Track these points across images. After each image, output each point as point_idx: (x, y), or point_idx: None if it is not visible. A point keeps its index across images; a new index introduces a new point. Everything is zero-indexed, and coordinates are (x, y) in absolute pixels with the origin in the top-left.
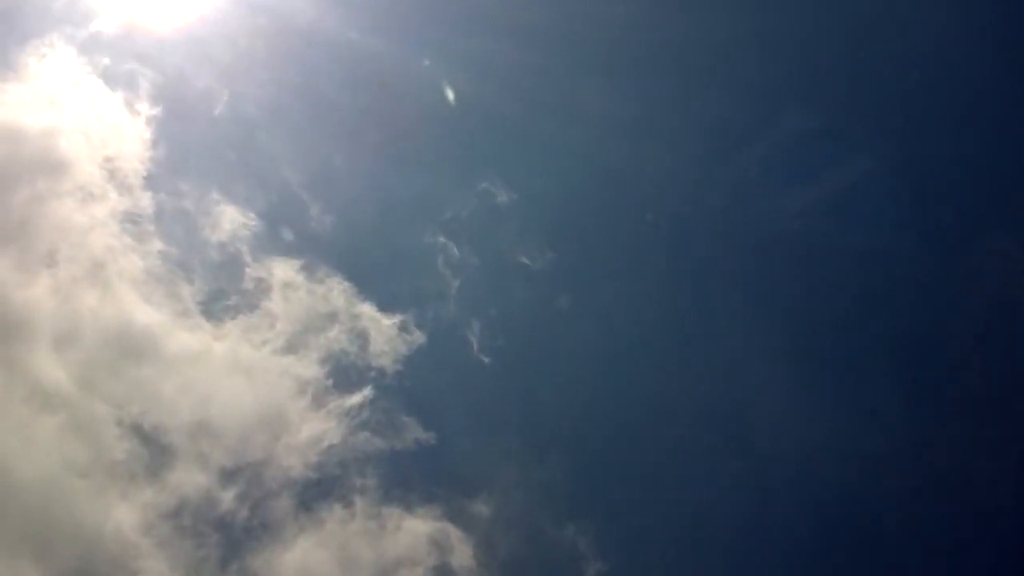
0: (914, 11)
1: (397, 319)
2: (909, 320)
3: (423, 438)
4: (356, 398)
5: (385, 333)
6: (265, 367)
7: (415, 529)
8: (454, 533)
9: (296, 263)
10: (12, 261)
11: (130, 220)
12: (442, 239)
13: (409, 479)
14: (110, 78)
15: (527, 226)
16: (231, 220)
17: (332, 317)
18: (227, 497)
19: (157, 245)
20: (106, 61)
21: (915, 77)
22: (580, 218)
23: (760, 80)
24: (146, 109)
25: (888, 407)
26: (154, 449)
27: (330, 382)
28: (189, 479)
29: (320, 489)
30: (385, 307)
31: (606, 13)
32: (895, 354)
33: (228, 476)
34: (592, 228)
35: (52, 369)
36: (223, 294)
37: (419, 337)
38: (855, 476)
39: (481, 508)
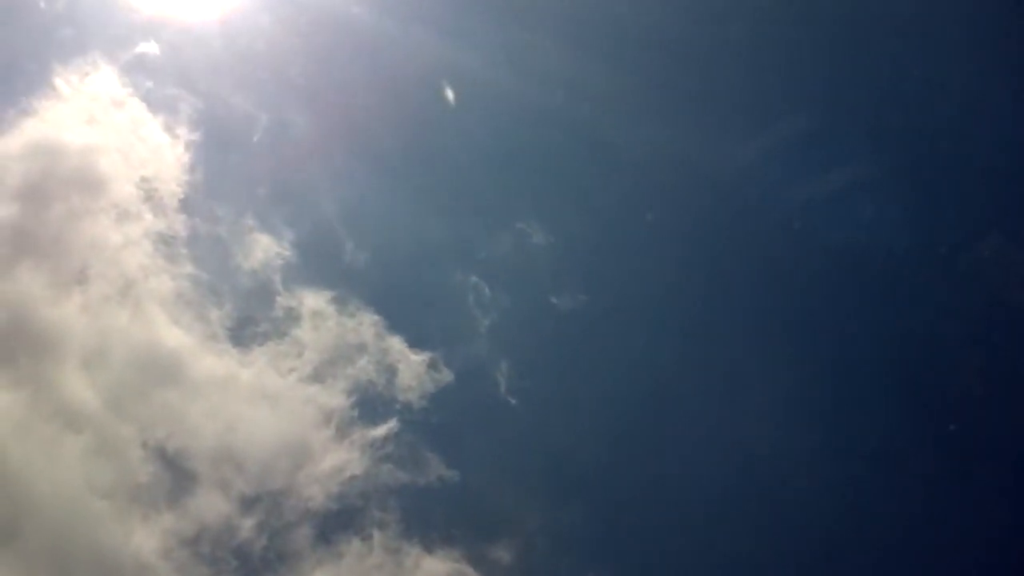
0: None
1: (426, 356)
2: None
3: (446, 475)
4: (381, 430)
5: (413, 369)
6: (291, 395)
7: (433, 569)
8: None
9: (327, 294)
10: (44, 277)
11: (163, 241)
12: (474, 278)
13: (430, 516)
14: (151, 101)
15: (561, 268)
16: (265, 248)
17: (361, 348)
18: (247, 525)
19: (189, 268)
20: (148, 84)
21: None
22: (614, 262)
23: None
24: (185, 133)
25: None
26: (176, 473)
27: (355, 413)
28: (210, 505)
29: (340, 521)
30: (415, 343)
31: (652, 60)
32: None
33: (248, 504)
34: (626, 272)
35: (79, 388)
36: (252, 321)
37: (447, 375)
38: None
39: (502, 553)
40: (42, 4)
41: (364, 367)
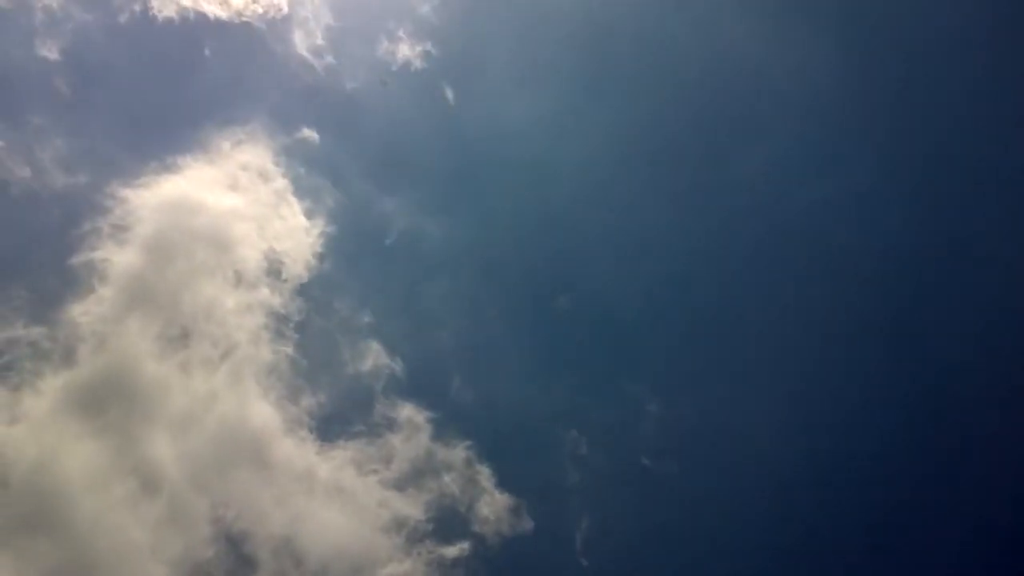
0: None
1: (511, 499)
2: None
3: None
4: (452, 550)
5: (495, 505)
6: (367, 496)
7: None
8: None
9: (427, 414)
10: (153, 328)
11: (275, 318)
12: (574, 432)
13: None
14: (299, 184)
15: (663, 437)
16: (374, 354)
17: (449, 469)
18: None
19: (292, 351)
20: (301, 169)
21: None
22: (715, 438)
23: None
24: (324, 224)
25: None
26: (238, 556)
27: (430, 527)
28: None
29: None
30: (503, 482)
31: None
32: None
33: None
34: (725, 448)
35: (161, 449)
36: (342, 417)
37: (527, 523)
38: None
39: None
40: (213, 63)
41: (448, 487)
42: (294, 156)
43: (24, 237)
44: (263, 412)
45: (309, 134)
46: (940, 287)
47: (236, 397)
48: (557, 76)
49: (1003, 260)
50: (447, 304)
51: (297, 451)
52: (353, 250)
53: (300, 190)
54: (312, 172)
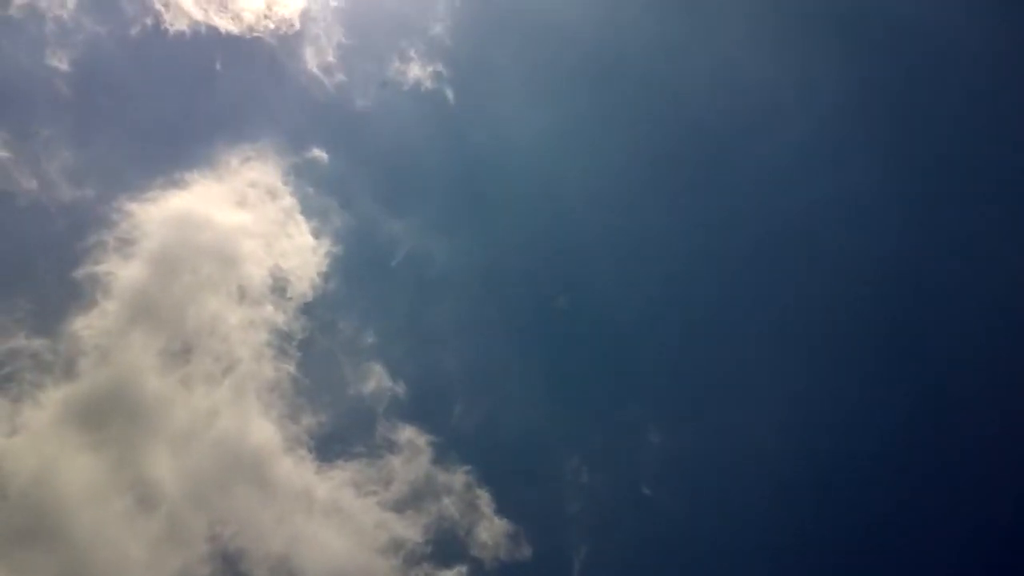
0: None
1: (509, 525)
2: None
3: None
4: (449, 574)
5: (493, 531)
6: (365, 517)
7: None
8: None
9: (428, 437)
10: (156, 343)
11: (278, 335)
12: (576, 460)
13: None
14: (307, 204)
15: (665, 467)
16: (377, 376)
17: (448, 492)
18: None
19: (294, 369)
20: (309, 189)
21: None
22: (718, 472)
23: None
24: (330, 244)
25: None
26: (235, 574)
27: (428, 550)
28: None
29: None
30: (502, 507)
31: None
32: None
33: None
34: (727, 483)
35: (161, 464)
36: (342, 437)
37: (525, 551)
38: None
39: None
40: (223, 78)
41: (447, 510)
42: (303, 175)
43: (29, 249)
44: (263, 429)
45: (319, 154)
46: (959, 306)
47: (237, 413)
48: (568, 99)
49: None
50: (451, 327)
51: (296, 470)
52: (358, 271)
53: (308, 209)
54: (320, 192)
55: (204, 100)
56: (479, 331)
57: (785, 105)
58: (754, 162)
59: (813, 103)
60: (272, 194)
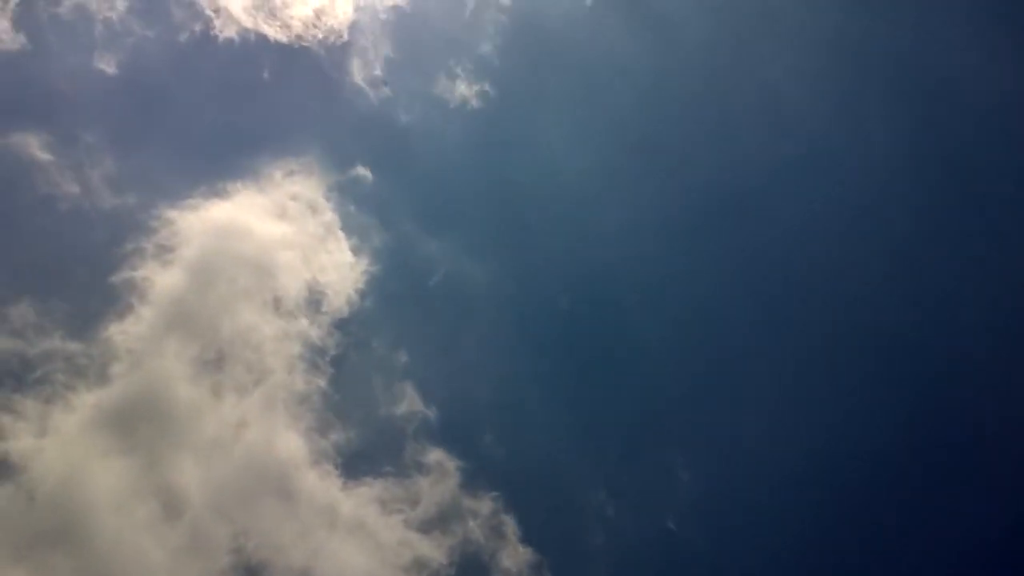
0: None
1: (534, 555)
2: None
3: None
4: None
5: (518, 559)
6: (389, 536)
7: None
8: None
9: (457, 463)
10: (189, 350)
11: (311, 349)
12: (603, 494)
13: None
14: (348, 221)
15: (692, 504)
16: (409, 398)
17: (474, 516)
18: None
19: (325, 384)
20: (351, 207)
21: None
22: (746, 509)
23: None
24: (368, 263)
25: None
26: None
27: (451, 571)
28: None
29: None
30: (527, 535)
31: None
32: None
33: None
34: (753, 520)
35: (186, 472)
36: (371, 455)
37: None
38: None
39: None
40: (270, 86)
41: (473, 533)
42: (346, 192)
43: (68, 252)
44: (291, 442)
45: (362, 172)
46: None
47: (265, 424)
48: (613, 130)
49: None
50: (485, 353)
51: (321, 484)
52: (396, 291)
53: (348, 227)
54: (362, 210)
55: (249, 109)
56: (512, 358)
57: (834, 148)
58: (797, 203)
59: (860, 148)
60: (313, 208)
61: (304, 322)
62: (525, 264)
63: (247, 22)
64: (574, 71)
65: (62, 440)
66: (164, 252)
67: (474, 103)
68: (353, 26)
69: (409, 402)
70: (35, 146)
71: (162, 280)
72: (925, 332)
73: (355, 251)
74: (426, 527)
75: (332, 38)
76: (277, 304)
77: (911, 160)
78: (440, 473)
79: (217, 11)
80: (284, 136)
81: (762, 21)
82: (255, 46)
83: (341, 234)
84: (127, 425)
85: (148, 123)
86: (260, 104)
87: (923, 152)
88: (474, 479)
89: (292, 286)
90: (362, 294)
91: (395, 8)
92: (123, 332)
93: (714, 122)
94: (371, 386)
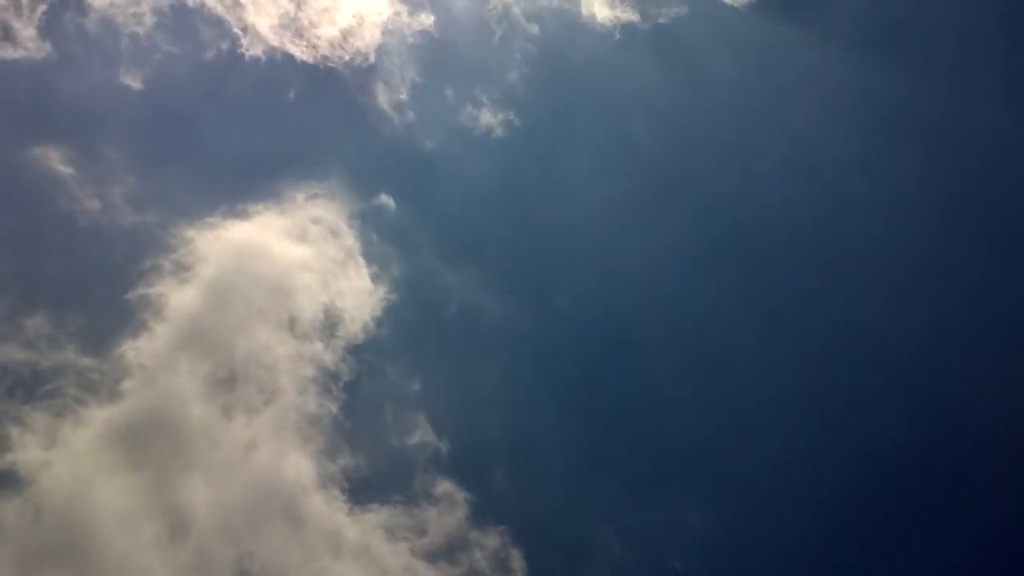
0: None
1: None
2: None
3: None
4: None
5: None
6: (395, 564)
7: None
8: None
9: (466, 495)
10: (202, 368)
11: (324, 373)
12: (611, 534)
13: None
14: (369, 248)
15: (701, 546)
16: (421, 429)
17: (482, 549)
18: None
19: (336, 409)
20: (373, 235)
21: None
22: (755, 556)
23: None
24: (387, 292)
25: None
26: None
27: None
28: None
29: None
30: (534, 572)
31: None
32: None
33: None
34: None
35: (194, 491)
36: (379, 482)
37: None
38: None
39: None
40: (295, 107)
41: (479, 564)
42: (368, 220)
43: (85, 267)
44: (299, 464)
45: (386, 200)
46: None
47: (275, 446)
48: (637, 165)
49: None
50: (498, 388)
51: (328, 509)
52: (413, 321)
53: (369, 254)
54: (384, 238)
55: (273, 129)
56: (526, 394)
57: (860, 197)
58: (823, 242)
59: (884, 196)
60: (334, 233)
61: (319, 346)
62: (543, 299)
63: (274, 41)
64: (599, 103)
65: (71, 454)
66: (181, 270)
67: (498, 132)
68: (380, 49)
69: (420, 432)
70: (56, 160)
71: (178, 298)
72: (959, 393)
73: (374, 278)
74: (432, 556)
75: (359, 60)
76: (292, 326)
77: (933, 209)
78: (448, 504)
79: (244, 29)
80: (307, 158)
81: (788, 64)
82: (281, 66)
83: (361, 260)
84: (136, 442)
85: (171, 140)
86: (284, 124)
87: (946, 202)
88: (482, 512)
89: (309, 309)
90: (378, 321)
91: (422, 32)
92: (136, 348)
93: (738, 159)
94: (383, 413)
